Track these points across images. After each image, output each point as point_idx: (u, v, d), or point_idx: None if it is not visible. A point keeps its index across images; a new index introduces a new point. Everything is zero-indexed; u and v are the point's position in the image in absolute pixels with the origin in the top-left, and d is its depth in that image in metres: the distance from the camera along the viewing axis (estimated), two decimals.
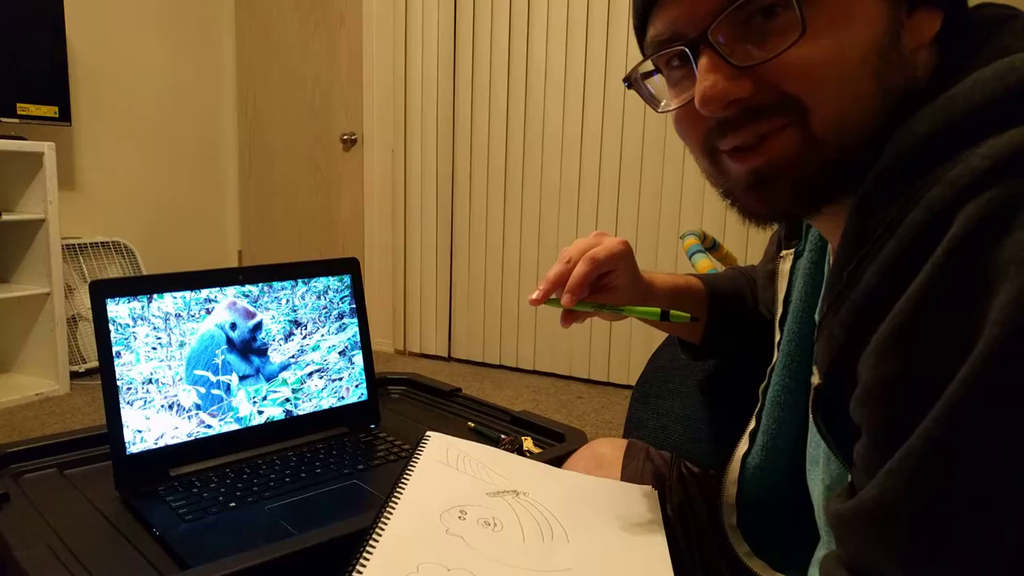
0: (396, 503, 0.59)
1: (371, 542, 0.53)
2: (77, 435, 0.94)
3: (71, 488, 0.85)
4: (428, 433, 0.73)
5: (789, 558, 0.63)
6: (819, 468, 0.53)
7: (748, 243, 2.75)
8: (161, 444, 0.87)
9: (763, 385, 0.65)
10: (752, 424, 0.65)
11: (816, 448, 0.53)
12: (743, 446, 0.66)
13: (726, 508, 0.66)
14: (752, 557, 0.64)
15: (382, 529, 0.55)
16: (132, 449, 0.85)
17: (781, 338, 0.64)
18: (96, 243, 3.20)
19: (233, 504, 0.81)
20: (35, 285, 2.72)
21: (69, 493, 0.84)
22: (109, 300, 0.85)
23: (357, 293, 1.06)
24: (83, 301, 3.03)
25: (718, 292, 0.83)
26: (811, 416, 0.47)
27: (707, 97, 0.46)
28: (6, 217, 2.62)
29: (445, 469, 0.67)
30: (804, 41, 0.43)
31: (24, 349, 2.86)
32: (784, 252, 0.65)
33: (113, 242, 3.26)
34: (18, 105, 2.75)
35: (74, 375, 2.85)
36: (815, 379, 0.46)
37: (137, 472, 0.85)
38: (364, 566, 0.50)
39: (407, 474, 0.64)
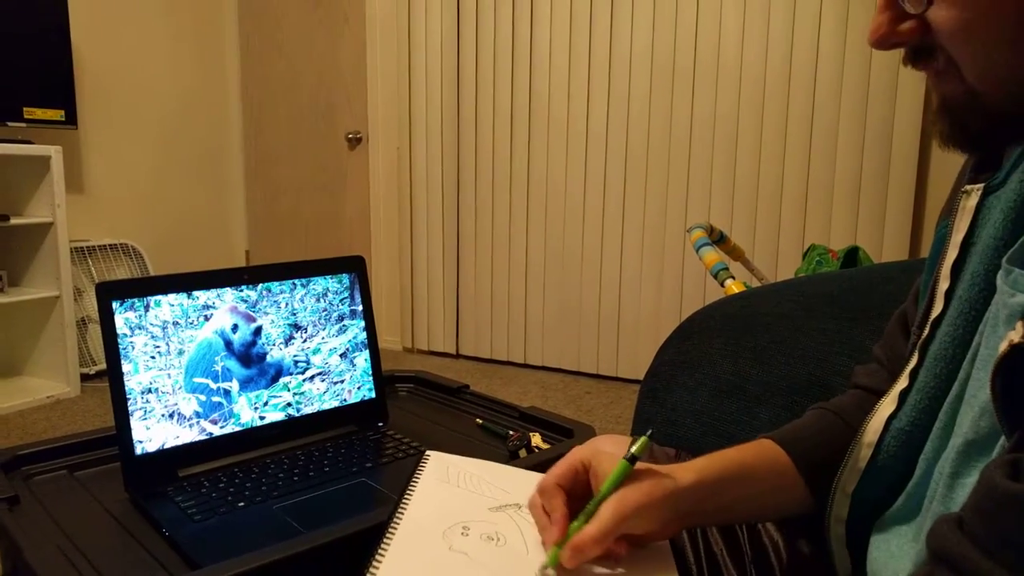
0: (398, 524, 0.59)
1: (374, 564, 0.52)
2: (86, 437, 0.95)
3: (81, 489, 0.85)
4: (427, 452, 0.72)
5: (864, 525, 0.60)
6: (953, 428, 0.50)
7: (755, 235, 2.74)
8: (169, 446, 0.87)
9: (922, 338, 0.59)
10: (904, 383, 0.59)
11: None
12: (888, 407, 0.60)
13: (848, 472, 0.62)
14: (840, 523, 0.62)
15: (384, 551, 0.55)
16: (140, 450, 0.85)
17: (955, 284, 0.57)
18: (104, 245, 3.21)
19: (242, 503, 0.81)
20: (45, 288, 2.73)
21: (79, 494, 0.84)
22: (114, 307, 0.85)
23: (363, 291, 1.06)
24: (92, 303, 3.04)
25: (804, 448, 0.67)
26: (991, 376, 0.43)
27: (872, 37, 0.51)
28: (15, 221, 2.64)
29: (445, 487, 0.67)
30: (938, 2, 0.46)
31: (35, 352, 2.87)
32: (969, 187, 0.57)
33: (121, 244, 3.27)
34: (24, 109, 2.76)
35: (84, 377, 2.87)
36: (1016, 335, 0.41)
37: (146, 473, 0.85)
38: None
39: (408, 495, 0.64)
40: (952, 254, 0.57)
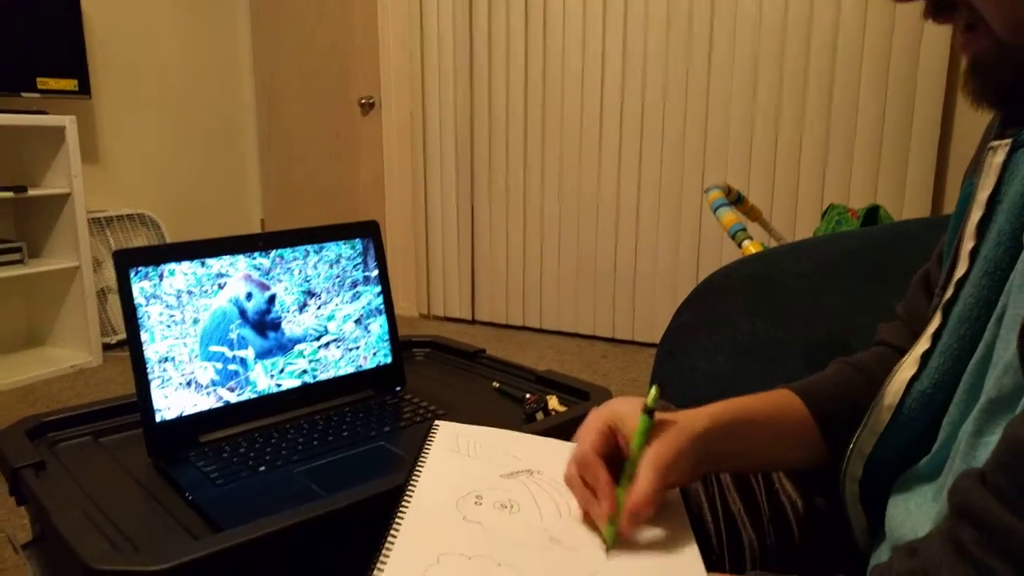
0: (411, 496, 0.59)
1: (389, 537, 0.52)
2: (110, 404, 0.96)
3: (105, 455, 0.87)
4: (436, 423, 0.72)
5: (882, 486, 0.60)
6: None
7: (773, 195, 2.70)
8: (188, 413, 0.88)
9: (945, 299, 0.57)
10: (926, 345, 0.58)
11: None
12: (909, 369, 0.59)
13: (867, 434, 0.61)
14: (855, 482, 0.61)
15: (399, 524, 0.55)
16: (160, 418, 0.86)
17: (980, 244, 0.55)
18: (121, 216, 3.23)
19: (262, 468, 0.82)
20: (64, 259, 2.76)
21: (103, 460, 0.85)
22: (132, 275, 0.85)
23: (378, 256, 1.06)
24: (111, 274, 3.07)
25: (822, 398, 0.66)
26: (1017, 336, 0.42)
27: None
28: (32, 192, 2.65)
29: (456, 457, 0.66)
30: None
31: (57, 322, 2.91)
32: (996, 143, 0.56)
33: (138, 214, 3.29)
34: (38, 79, 2.76)
35: (106, 347, 2.91)
36: None
37: (168, 439, 0.86)
38: (384, 563, 0.49)
39: (419, 466, 0.64)
40: (977, 213, 0.56)
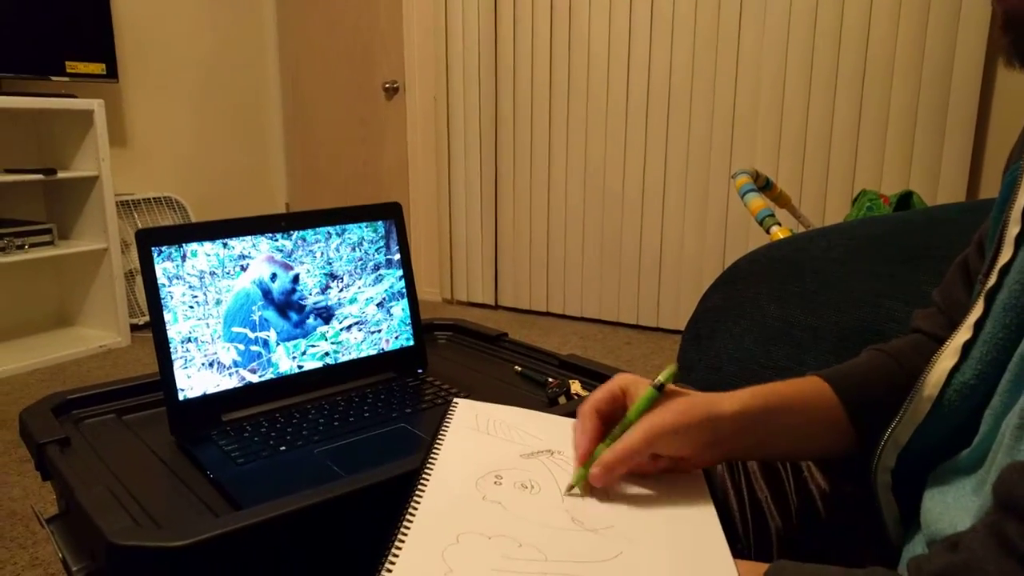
0: (429, 474, 0.58)
1: (408, 516, 0.52)
2: (134, 382, 0.96)
3: (129, 433, 0.87)
4: (455, 401, 0.71)
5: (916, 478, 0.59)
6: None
7: (802, 181, 2.65)
8: (210, 392, 0.88)
9: (988, 287, 0.55)
10: (967, 334, 0.56)
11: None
12: (949, 359, 0.57)
13: (904, 425, 0.59)
14: (887, 472, 0.60)
15: (417, 502, 0.54)
16: (183, 396, 0.86)
17: None
18: (149, 199, 3.26)
19: (283, 448, 0.81)
20: (93, 241, 2.80)
21: (127, 437, 0.86)
22: (155, 254, 0.85)
23: (400, 239, 1.05)
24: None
25: (852, 385, 0.64)
26: None
27: None
28: (62, 175, 2.69)
29: (476, 435, 0.65)
30: None
31: (86, 303, 2.96)
32: None
33: (165, 198, 3.32)
34: (67, 63, 2.79)
35: (134, 328, 2.95)
36: None
37: (190, 417, 0.86)
38: (403, 542, 0.49)
39: (438, 444, 0.63)
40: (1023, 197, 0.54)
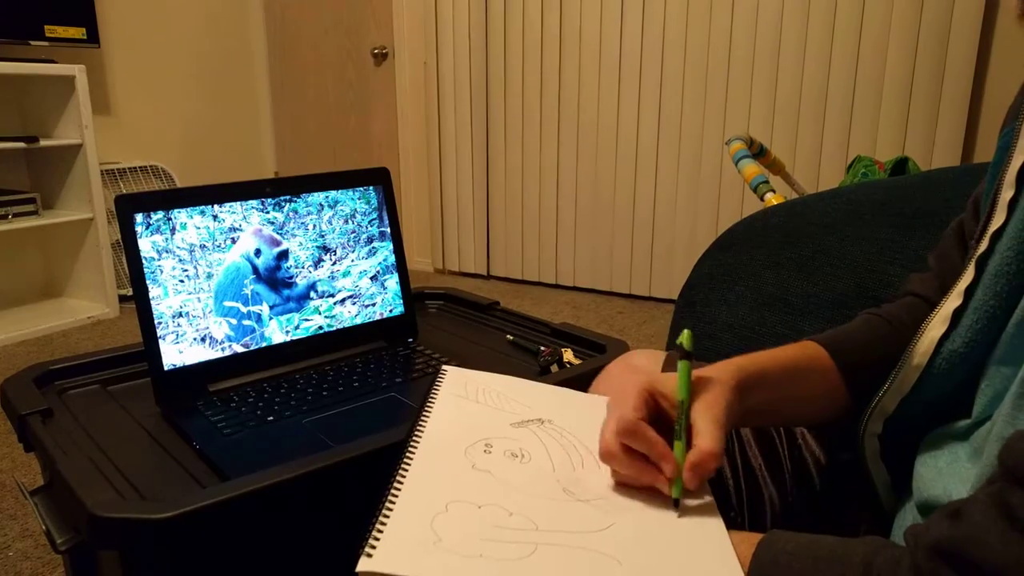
0: (418, 442, 0.56)
1: (395, 485, 0.50)
2: (119, 352, 0.95)
3: (113, 403, 0.86)
4: (444, 368, 0.70)
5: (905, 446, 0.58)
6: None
7: (796, 147, 2.63)
8: (198, 361, 0.87)
9: (980, 252, 0.54)
10: (957, 301, 0.55)
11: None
12: (939, 327, 0.56)
13: (891, 393, 0.58)
14: (874, 438, 0.59)
15: (406, 470, 0.52)
16: (169, 366, 0.85)
17: (1020, 193, 0.52)
18: (135, 168, 3.21)
19: (271, 418, 0.80)
20: (78, 211, 2.75)
21: (111, 408, 0.84)
22: (136, 220, 0.83)
23: (389, 204, 1.03)
24: None
25: (848, 349, 0.63)
26: None
27: None
28: (44, 143, 2.63)
29: (465, 403, 0.64)
30: None
31: (73, 274, 2.92)
32: None
33: (151, 166, 3.27)
34: (46, 27, 2.72)
35: (122, 298, 2.92)
36: None
37: (176, 388, 0.85)
38: (391, 510, 0.47)
39: (426, 411, 0.61)
40: (1018, 160, 0.52)
